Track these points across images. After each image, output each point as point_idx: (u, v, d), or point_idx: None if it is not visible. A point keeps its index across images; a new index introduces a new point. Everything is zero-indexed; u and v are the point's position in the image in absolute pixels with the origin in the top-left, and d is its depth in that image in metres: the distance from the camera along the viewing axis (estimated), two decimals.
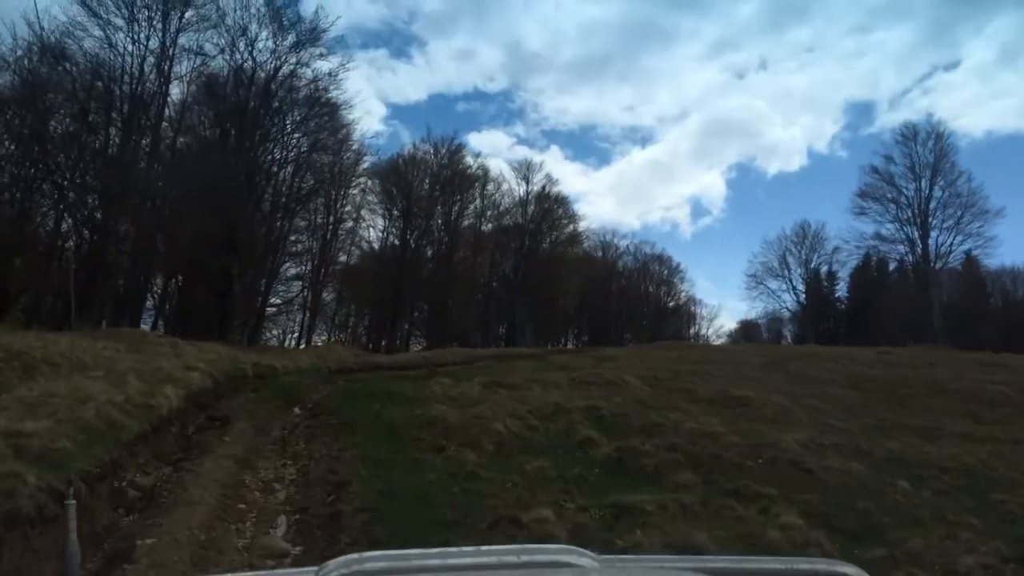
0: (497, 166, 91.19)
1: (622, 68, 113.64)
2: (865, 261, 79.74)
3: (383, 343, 53.70)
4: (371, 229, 53.41)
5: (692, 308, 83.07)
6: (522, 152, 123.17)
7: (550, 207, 61.24)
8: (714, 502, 9.37)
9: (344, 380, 19.73)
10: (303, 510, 7.94)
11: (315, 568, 1.60)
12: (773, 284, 70.83)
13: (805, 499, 9.88)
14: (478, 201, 58.36)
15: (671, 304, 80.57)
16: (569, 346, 68.95)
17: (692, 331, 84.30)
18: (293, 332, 52.48)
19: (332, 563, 1.56)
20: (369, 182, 50.49)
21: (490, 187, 58.97)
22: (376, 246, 54.13)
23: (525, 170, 61.14)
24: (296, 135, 39.85)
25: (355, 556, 1.59)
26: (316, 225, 47.38)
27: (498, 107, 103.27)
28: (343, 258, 51.94)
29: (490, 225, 60.36)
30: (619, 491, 9.60)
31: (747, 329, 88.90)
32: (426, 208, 53.10)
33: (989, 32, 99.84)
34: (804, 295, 72.16)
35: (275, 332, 53.31)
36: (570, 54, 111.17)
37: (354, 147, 44.94)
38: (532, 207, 60.61)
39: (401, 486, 8.81)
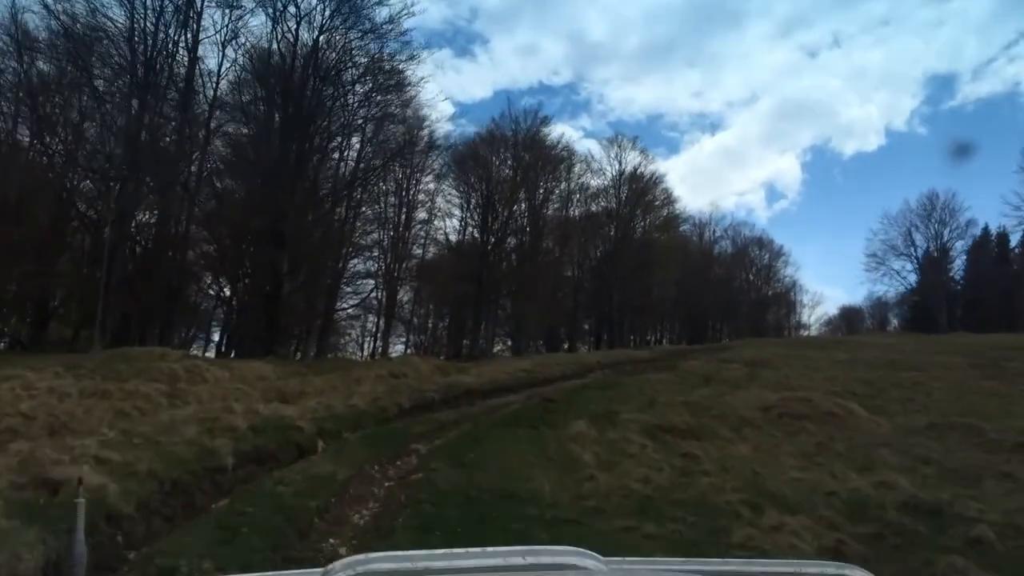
0: (585, 146, 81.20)
1: (689, 53, 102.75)
2: (983, 236, 67.15)
3: (464, 343, 44.94)
4: (447, 219, 44.44)
5: (792, 295, 71.93)
6: (589, 145, 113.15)
7: (645, 187, 51.29)
8: None
9: (418, 439, 10.87)
10: None
11: (320, 570, 1.45)
12: (896, 264, 58.99)
13: None
14: (563, 184, 48.85)
15: (771, 292, 69.55)
16: (665, 343, 59.08)
17: (793, 320, 73.41)
18: (367, 338, 44.31)
19: (338, 563, 1.43)
20: (444, 166, 41.69)
21: (577, 168, 49.40)
22: (453, 238, 45.17)
23: (617, 147, 51.32)
24: (360, 110, 31.14)
25: (361, 557, 1.45)
26: (387, 217, 38.90)
27: (563, 100, 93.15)
28: (418, 252, 43.19)
29: (577, 210, 50.86)
30: None
31: (849, 316, 77.34)
32: (507, 194, 43.80)
33: None
34: (932, 274, 60.22)
35: (352, 335, 45.06)
36: (635, 42, 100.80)
37: (424, 125, 36.11)
38: (625, 188, 50.79)
39: None
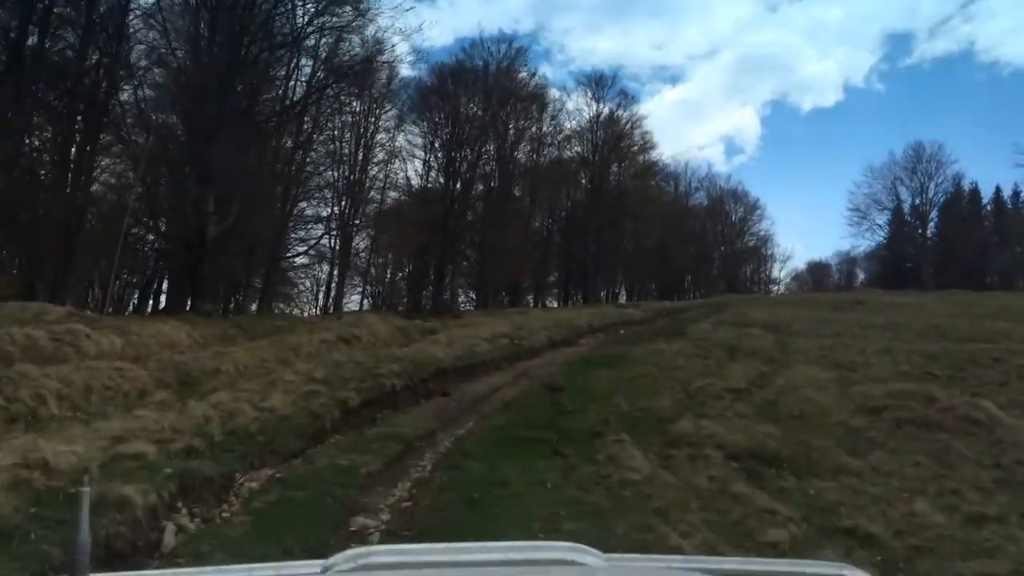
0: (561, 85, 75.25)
1: (650, 4, 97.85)
2: (956, 194, 64.42)
3: (424, 293, 39.85)
4: (409, 162, 38.67)
5: (765, 250, 68.27)
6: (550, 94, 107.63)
7: (622, 131, 46.19)
8: None
9: (368, 492, 6.09)
10: None
11: (321, 562, 1.39)
12: (880, 219, 55.86)
13: None
14: (535, 127, 43.39)
15: (744, 246, 65.70)
16: (635, 298, 54.95)
17: (763, 274, 70.00)
18: (320, 289, 38.85)
19: (339, 556, 1.38)
20: (407, 101, 35.97)
21: (550, 108, 43.91)
22: (416, 182, 39.50)
23: (594, 86, 45.97)
24: (311, 24, 25.27)
25: (362, 550, 1.42)
26: (342, 155, 33.22)
27: (524, 49, 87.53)
28: (376, 196, 37.39)
29: (549, 155, 45.57)
30: None
31: (816, 272, 74.26)
32: (476, 134, 38.32)
33: None
34: (903, 229, 57.16)
35: (307, 284, 39.35)
36: None
37: (386, 38, 29.99)
38: (602, 132, 45.62)
39: None
